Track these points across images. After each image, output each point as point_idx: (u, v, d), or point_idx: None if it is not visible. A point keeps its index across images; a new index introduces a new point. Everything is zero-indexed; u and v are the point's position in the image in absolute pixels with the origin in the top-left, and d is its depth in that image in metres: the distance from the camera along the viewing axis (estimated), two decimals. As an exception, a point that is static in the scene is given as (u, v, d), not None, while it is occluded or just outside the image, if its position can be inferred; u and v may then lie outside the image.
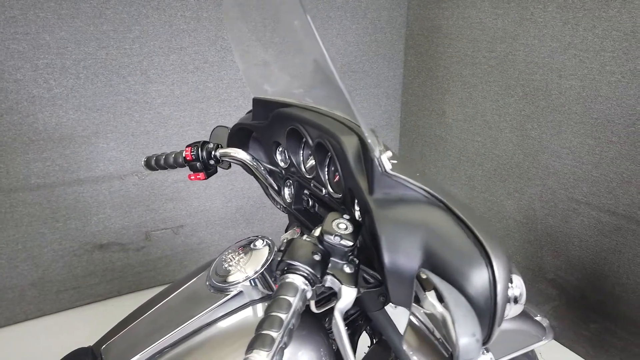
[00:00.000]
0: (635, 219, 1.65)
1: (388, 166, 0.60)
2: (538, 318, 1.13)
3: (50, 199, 2.01)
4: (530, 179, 2.01)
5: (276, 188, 1.04)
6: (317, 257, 0.60)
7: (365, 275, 0.71)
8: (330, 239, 0.62)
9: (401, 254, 0.55)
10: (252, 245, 0.84)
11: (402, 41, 2.61)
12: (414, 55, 2.56)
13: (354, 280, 0.61)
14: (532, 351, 1.18)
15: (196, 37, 2.07)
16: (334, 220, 0.65)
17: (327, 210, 0.86)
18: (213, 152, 1.02)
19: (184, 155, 1.03)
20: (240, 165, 1.03)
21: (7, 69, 1.78)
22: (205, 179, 1.03)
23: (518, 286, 0.70)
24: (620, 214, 1.70)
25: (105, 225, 2.17)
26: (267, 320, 0.52)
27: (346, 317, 0.97)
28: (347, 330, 0.82)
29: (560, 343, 2.02)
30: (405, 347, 0.84)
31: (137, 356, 0.76)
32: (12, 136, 1.87)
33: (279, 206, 1.06)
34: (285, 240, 0.78)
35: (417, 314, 0.98)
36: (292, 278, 0.58)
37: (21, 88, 1.82)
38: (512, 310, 0.60)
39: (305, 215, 0.94)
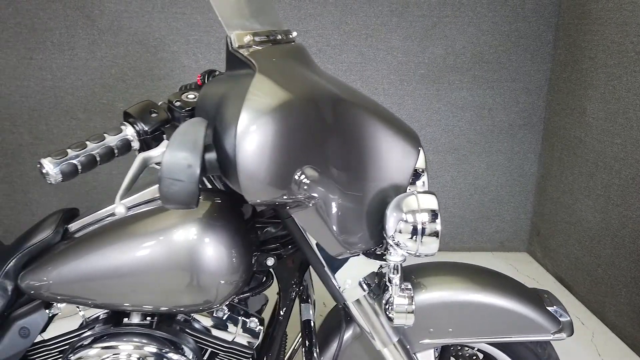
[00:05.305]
0: None
1: (235, 44, 0.64)
2: (553, 310, 0.95)
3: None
4: (672, 191, 1.61)
5: None
6: (154, 115, 0.68)
7: None
8: (173, 104, 0.69)
9: (203, 112, 0.61)
10: None
11: (551, 32, 2.34)
12: (563, 48, 2.28)
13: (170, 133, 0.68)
14: (549, 344, 1.00)
15: (321, 20, 2.24)
16: (185, 91, 0.72)
17: None
18: None
19: None
20: None
21: (167, 42, 2.22)
22: None
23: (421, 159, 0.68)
24: None
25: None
26: (76, 142, 0.64)
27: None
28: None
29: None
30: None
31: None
32: (165, 98, 2.31)
33: None
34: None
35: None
36: (124, 126, 0.67)
37: (176, 58, 2.25)
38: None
39: None
